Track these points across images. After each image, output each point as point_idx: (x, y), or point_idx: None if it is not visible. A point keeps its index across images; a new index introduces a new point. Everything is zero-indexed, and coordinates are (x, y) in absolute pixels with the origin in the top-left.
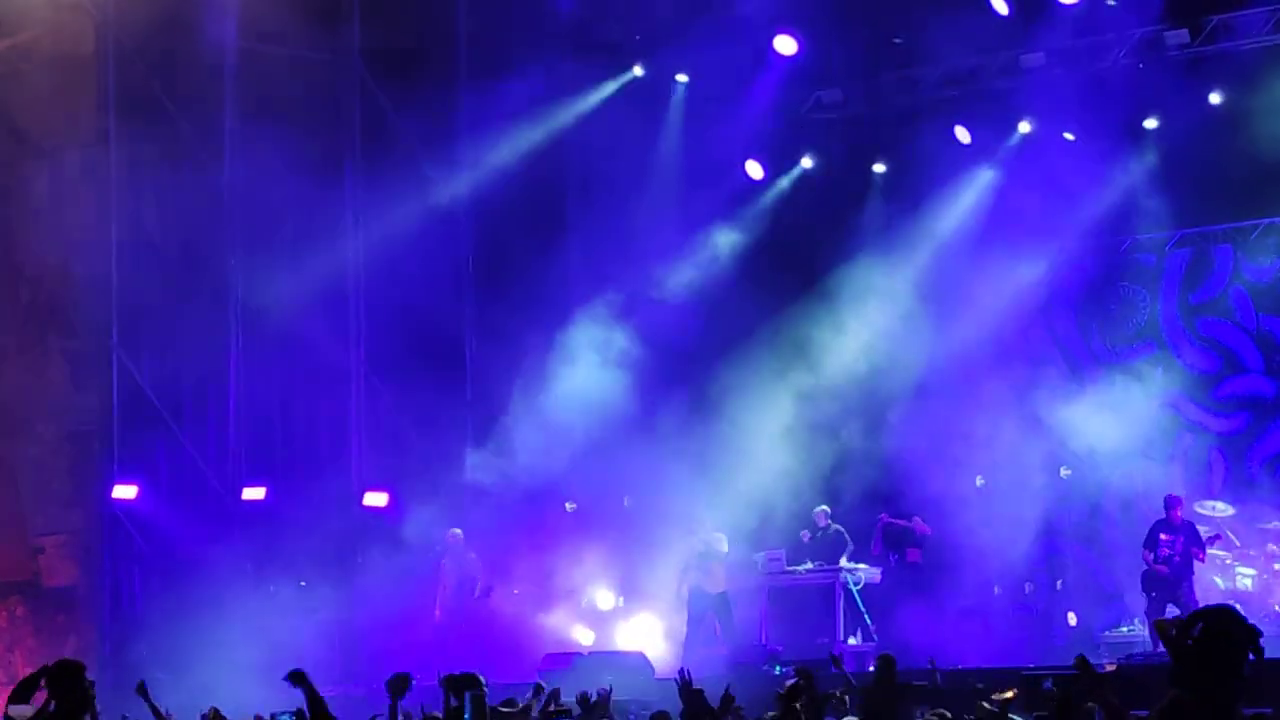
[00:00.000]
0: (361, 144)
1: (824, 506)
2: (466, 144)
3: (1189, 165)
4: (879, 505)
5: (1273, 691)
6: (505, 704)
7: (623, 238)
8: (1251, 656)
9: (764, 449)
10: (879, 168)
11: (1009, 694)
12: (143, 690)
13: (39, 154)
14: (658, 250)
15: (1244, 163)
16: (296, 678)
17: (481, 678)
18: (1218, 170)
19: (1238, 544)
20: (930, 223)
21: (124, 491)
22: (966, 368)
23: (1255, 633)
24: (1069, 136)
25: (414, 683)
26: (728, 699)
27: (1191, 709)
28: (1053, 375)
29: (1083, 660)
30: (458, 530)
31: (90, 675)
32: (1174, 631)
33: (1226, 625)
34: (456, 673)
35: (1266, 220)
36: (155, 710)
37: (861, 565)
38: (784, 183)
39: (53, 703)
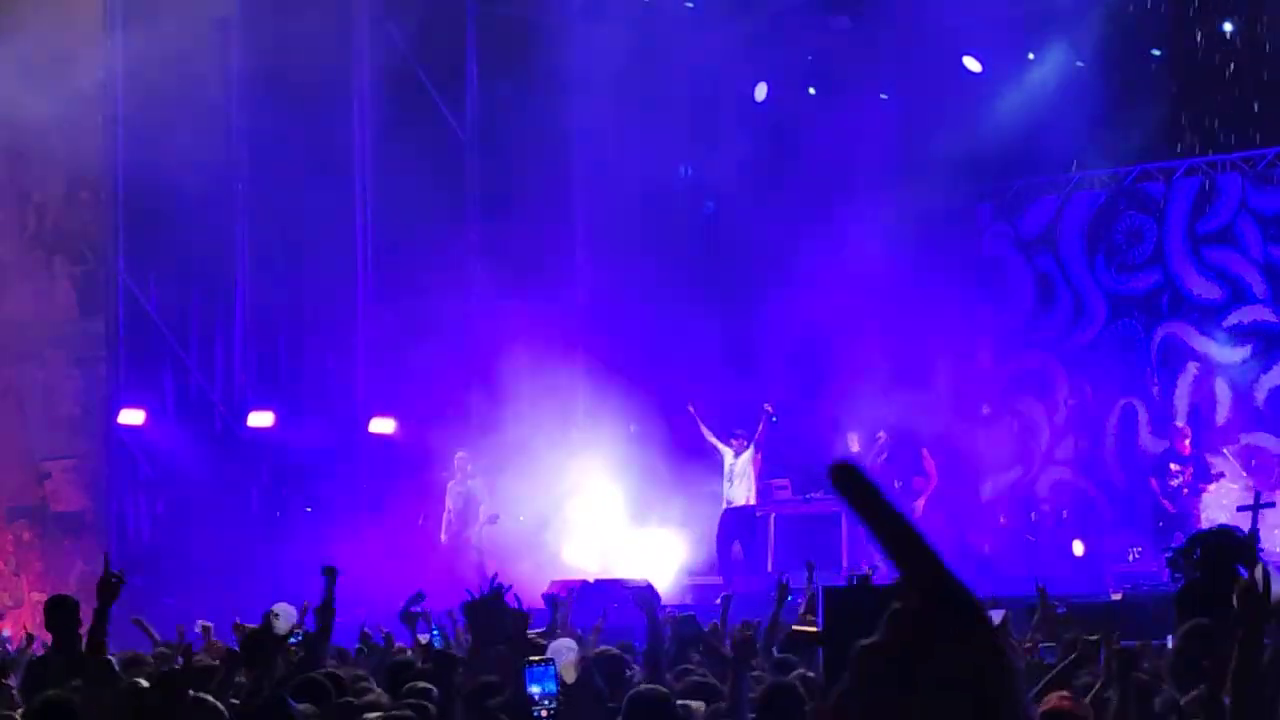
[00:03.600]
0: (370, 73)
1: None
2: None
3: (1198, 94)
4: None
5: None
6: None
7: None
8: (1242, 569)
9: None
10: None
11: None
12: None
13: (43, 79)
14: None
15: (1253, 91)
16: (329, 571)
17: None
18: (1227, 99)
19: (1244, 475)
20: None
21: (131, 417)
22: (969, 297)
23: (1250, 542)
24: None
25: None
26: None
27: (1207, 633)
28: (1057, 304)
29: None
30: (463, 452)
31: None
32: (1180, 560)
33: (1223, 544)
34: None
35: (1275, 149)
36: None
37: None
38: None
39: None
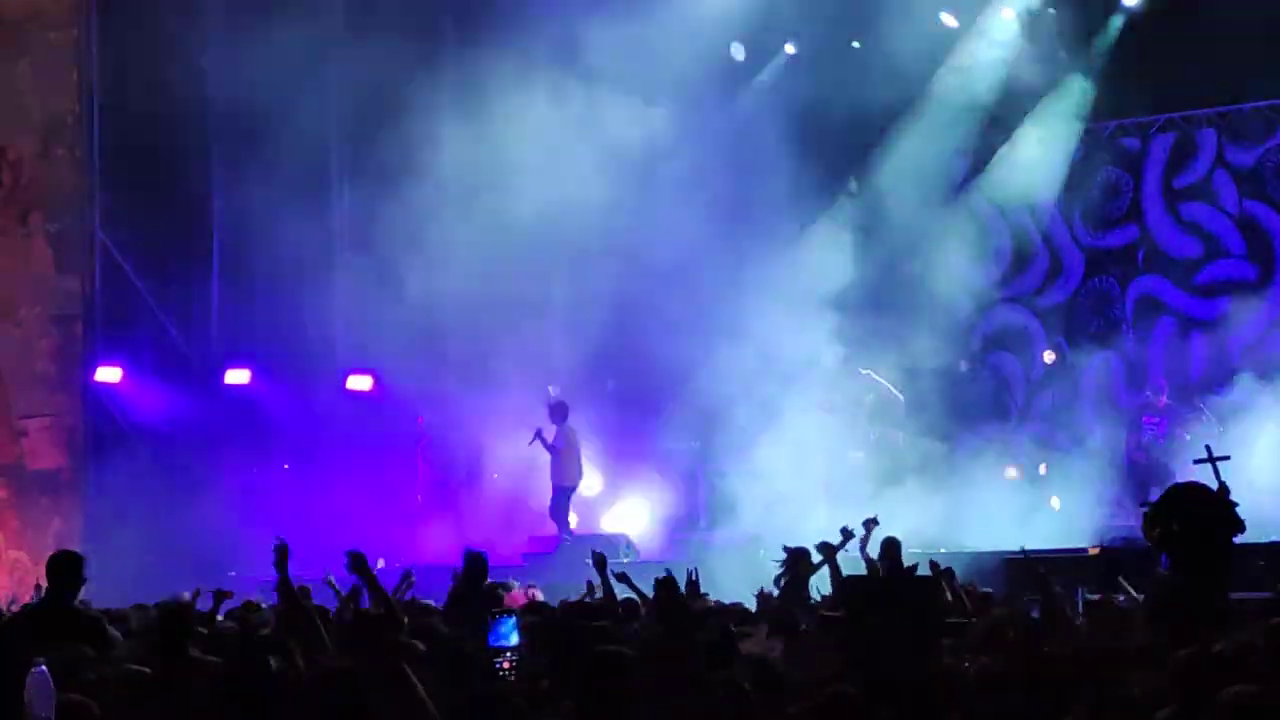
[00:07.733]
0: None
1: None
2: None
3: (1173, 48)
4: None
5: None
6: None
7: None
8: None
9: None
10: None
11: None
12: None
13: (19, 34)
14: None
15: (1229, 46)
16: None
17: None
18: (1203, 53)
19: (1220, 429)
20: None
21: (108, 374)
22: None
23: (1225, 500)
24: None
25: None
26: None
27: (1182, 591)
28: (1034, 260)
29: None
30: (422, 417)
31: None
32: (1154, 517)
33: (1198, 503)
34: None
35: (1250, 104)
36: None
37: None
38: None
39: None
